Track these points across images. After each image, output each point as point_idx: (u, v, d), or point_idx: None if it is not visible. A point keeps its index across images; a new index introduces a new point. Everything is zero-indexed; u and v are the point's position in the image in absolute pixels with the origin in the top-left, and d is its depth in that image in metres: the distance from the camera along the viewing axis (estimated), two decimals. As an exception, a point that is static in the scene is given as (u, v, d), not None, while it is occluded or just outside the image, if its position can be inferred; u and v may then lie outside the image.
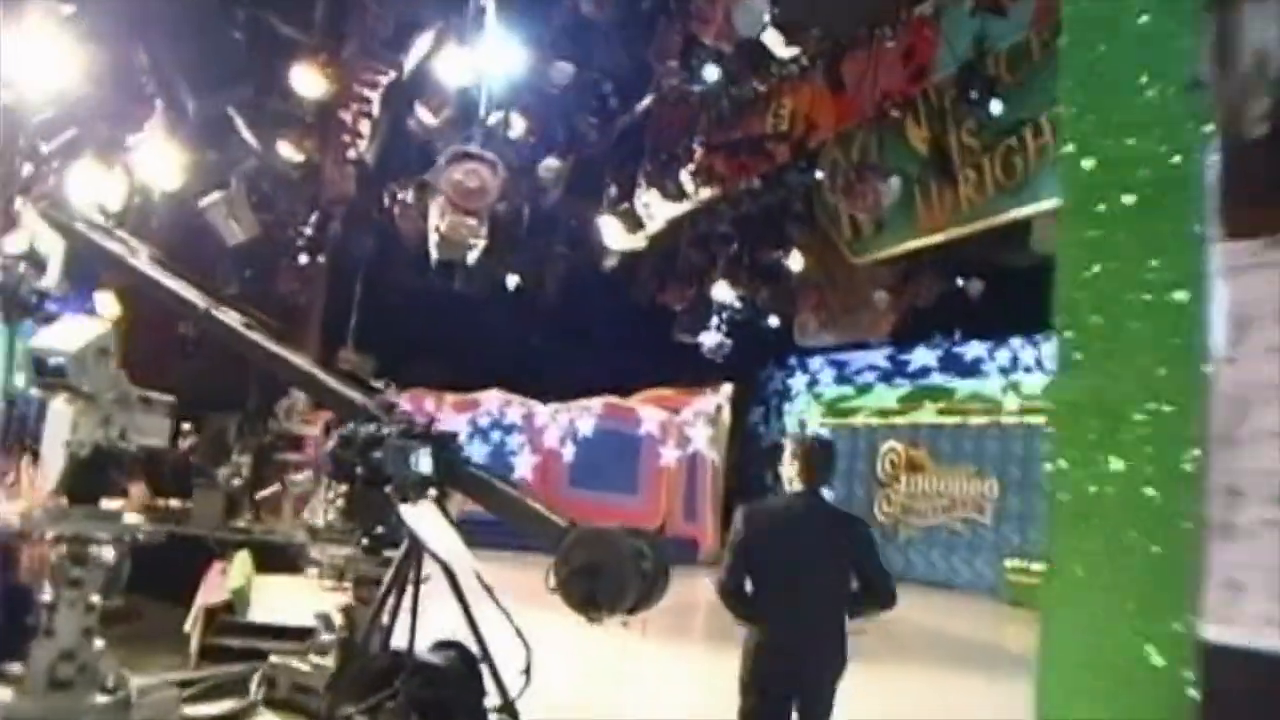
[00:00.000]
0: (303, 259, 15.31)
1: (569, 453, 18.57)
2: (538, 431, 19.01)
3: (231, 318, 5.47)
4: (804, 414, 19.79)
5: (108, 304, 16.86)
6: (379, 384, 5.75)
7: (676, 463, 17.65)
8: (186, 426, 16.67)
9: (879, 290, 13.06)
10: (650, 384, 19.09)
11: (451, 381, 19.45)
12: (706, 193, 11.04)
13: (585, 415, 18.71)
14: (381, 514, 4.41)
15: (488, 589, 4.41)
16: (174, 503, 15.12)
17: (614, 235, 12.28)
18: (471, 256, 9.93)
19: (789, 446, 4.44)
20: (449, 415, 19.56)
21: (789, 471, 4.33)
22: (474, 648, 4.55)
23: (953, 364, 17.31)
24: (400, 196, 12.88)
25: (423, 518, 4.29)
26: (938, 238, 10.67)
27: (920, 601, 15.21)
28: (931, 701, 8.86)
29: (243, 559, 11.04)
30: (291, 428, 14.33)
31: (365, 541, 4.95)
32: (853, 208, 10.32)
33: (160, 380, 16.39)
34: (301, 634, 7.82)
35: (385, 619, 4.49)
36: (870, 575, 4.34)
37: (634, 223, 12.09)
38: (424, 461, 4.32)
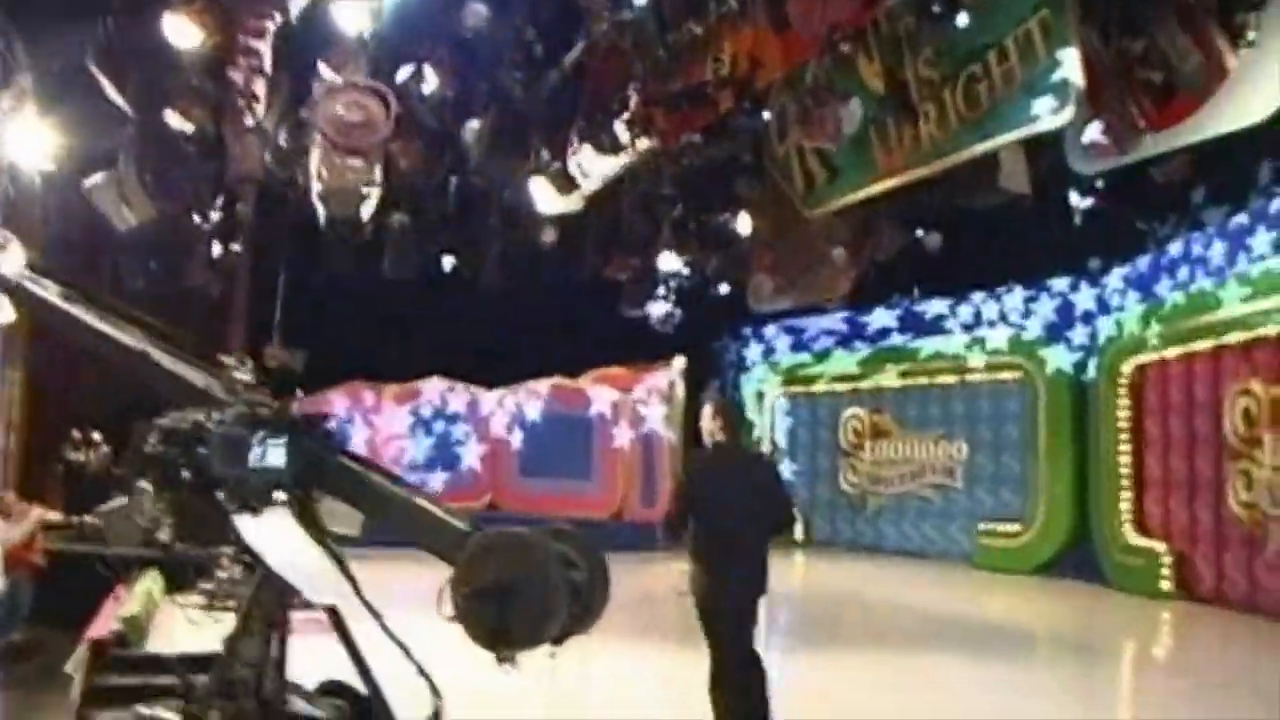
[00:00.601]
0: (215, 248, 14.04)
1: (517, 440, 17.48)
2: (483, 419, 17.89)
3: (50, 289, 4.31)
4: (761, 384, 18.85)
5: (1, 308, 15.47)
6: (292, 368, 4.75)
7: (631, 444, 16.61)
8: (96, 436, 15.32)
9: (836, 247, 12.10)
10: (600, 363, 18.04)
11: (391, 372, 18.27)
12: (645, 144, 9.98)
13: (532, 399, 17.62)
14: (217, 528, 3.34)
15: (376, 616, 3.38)
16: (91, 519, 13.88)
17: (546, 198, 11.19)
18: (366, 210, 8.74)
19: (708, 407, 5.32)
20: (390, 407, 18.40)
21: (710, 426, 5.19)
22: (367, 692, 3.53)
23: (913, 323, 16.44)
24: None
25: (273, 530, 3.24)
26: (897, 180, 9.71)
27: (894, 574, 14.40)
28: (912, 682, 7.98)
29: (149, 581, 9.85)
30: (212, 428, 13.06)
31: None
32: (811, 137, 9.26)
33: (71, 385, 14.88)
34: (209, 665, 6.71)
35: (247, 657, 3.46)
36: (780, 502, 5.37)
37: (567, 183, 11.02)
38: (272, 455, 3.24)
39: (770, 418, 18.66)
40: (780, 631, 11.16)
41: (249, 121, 10.21)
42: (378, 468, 3.69)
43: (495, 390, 17.97)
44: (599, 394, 17.13)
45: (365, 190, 8.21)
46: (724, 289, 16.62)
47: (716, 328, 19.39)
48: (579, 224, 15.32)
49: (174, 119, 9.95)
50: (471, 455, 17.81)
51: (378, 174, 8.26)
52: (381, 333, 18.30)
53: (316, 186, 8.30)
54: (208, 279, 13.90)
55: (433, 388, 18.27)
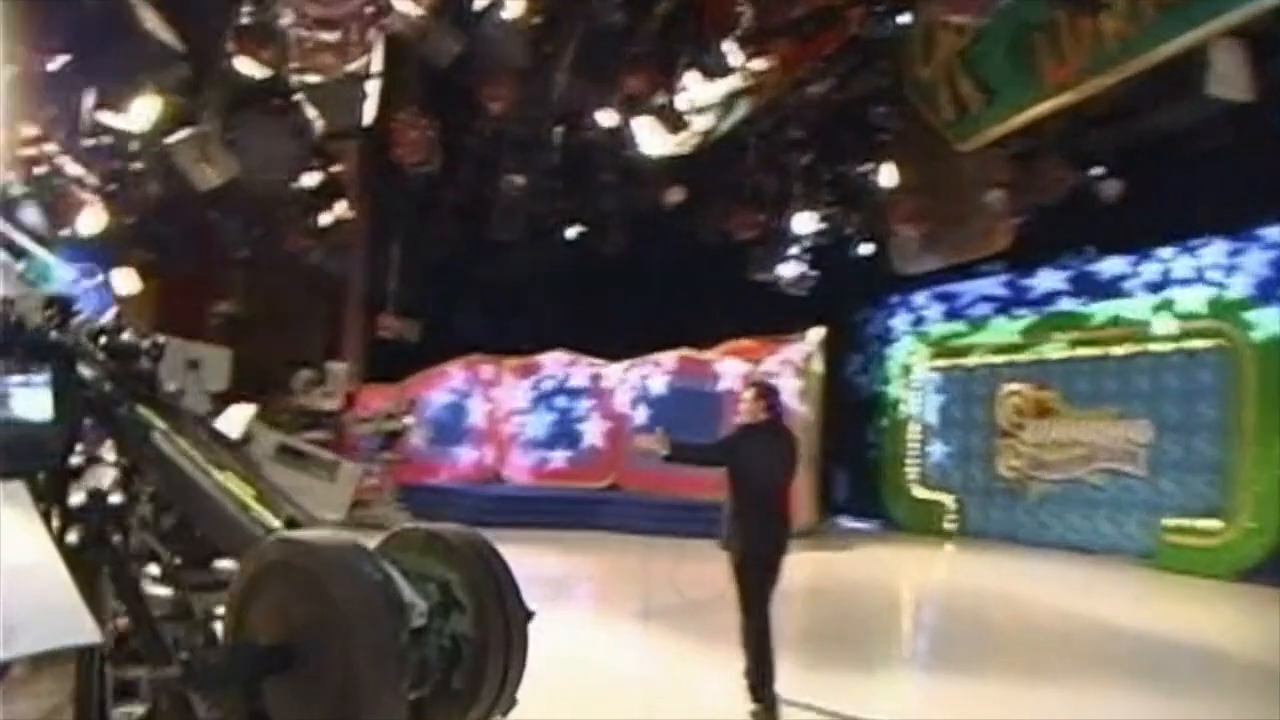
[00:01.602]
0: (321, 211, 13.27)
1: (641, 416, 16.14)
2: (606, 394, 16.65)
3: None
4: (909, 358, 16.82)
5: (127, 280, 15.23)
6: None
7: (761, 421, 15.04)
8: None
9: (992, 190, 10.16)
10: (731, 335, 16.51)
11: (512, 345, 17.29)
12: (760, 64, 8.37)
13: (657, 373, 16.24)
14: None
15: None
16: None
17: (652, 140, 9.74)
18: (368, 109, 7.47)
19: (751, 390, 5.95)
20: (510, 381, 17.44)
21: (753, 407, 5.72)
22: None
23: (1086, 285, 14.07)
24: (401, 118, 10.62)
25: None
26: (1068, 98, 7.77)
27: (1057, 573, 12.22)
28: (1074, 713, 6.16)
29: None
30: (310, 403, 12.37)
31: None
32: (956, 9, 7.39)
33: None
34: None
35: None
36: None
37: (675, 122, 9.53)
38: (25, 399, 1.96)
39: (918, 395, 16.65)
40: (915, 637, 9.42)
41: (324, 62, 9.22)
42: (221, 441, 2.38)
43: (618, 363, 16.70)
44: (727, 367, 15.56)
45: (347, 77, 6.91)
46: (865, 250, 14.81)
47: (859, 296, 17.50)
48: (702, 179, 13.87)
49: (243, 64, 9.05)
50: (593, 432, 16.62)
51: (371, 60, 6.97)
52: (502, 304, 17.36)
53: (294, 80, 7.09)
54: (309, 247, 13.14)
55: (554, 361, 17.18)
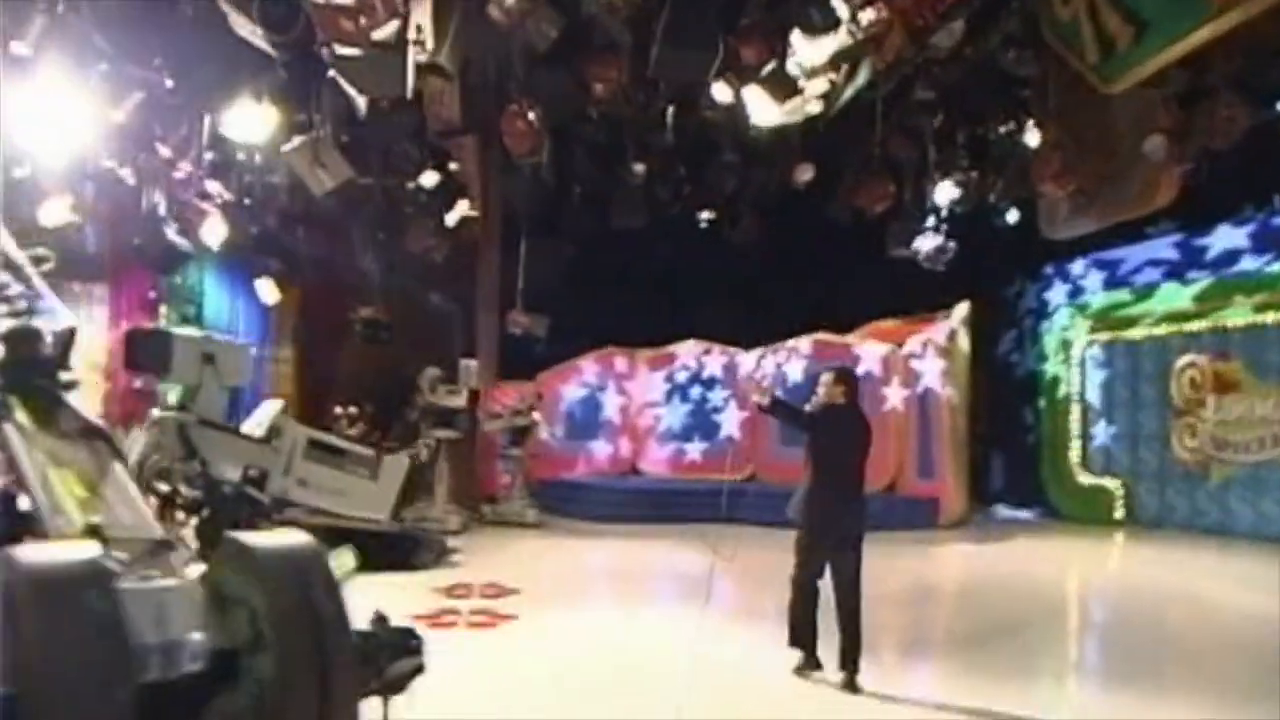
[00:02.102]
0: (444, 210, 13.22)
1: (778, 404, 15.45)
2: (742, 383, 16.05)
3: None
4: (1067, 332, 15.40)
5: (268, 290, 15.73)
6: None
7: (904, 405, 14.03)
8: (354, 410, 15.20)
9: (1150, 137, 8.99)
10: (871, 316, 15.61)
11: (645, 336, 16.90)
12: (871, 15, 7.59)
13: (794, 358, 15.50)
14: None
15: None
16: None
17: (763, 110, 9.08)
18: (408, 78, 7.06)
19: (829, 374, 6.18)
20: (644, 373, 17.08)
21: (832, 391, 6.04)
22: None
23: (1272, 240, 12.46)
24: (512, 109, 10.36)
25: None
26: (1237, 17, 6.68)
27: (1247, 569, 10.77)
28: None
29: (338, 557, 9.02)
30: (437, 400, 12.33)
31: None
32: None
33: (333, 362, 14.61)
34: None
35: None
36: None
37: (786, 88, 8.85)
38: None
39: (1079, 372, 15.24)
40: (1082, 641, 8.39)
41: (419, 57, 9.03)
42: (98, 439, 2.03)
43: (753, 350, 16.07)
44: (866, 349, 14.68)
45: (378, 45, 6.53)
46: (1011, 217, 13.63)
47: (1008, 268, 16.21)
48: (830, 153, 13.08)
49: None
50: (730, 422, 16.04)
51: (410, 26, 6.57)
52: (633, 295, 16.97)
53: (329, 54, 6.76)
54: (432, 245, 13.12)
55: (688, 351, 16.69)
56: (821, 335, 15.25)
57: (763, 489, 15.07)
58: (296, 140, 10.06)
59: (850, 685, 5.69)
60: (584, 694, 5.55)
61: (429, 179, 12.14)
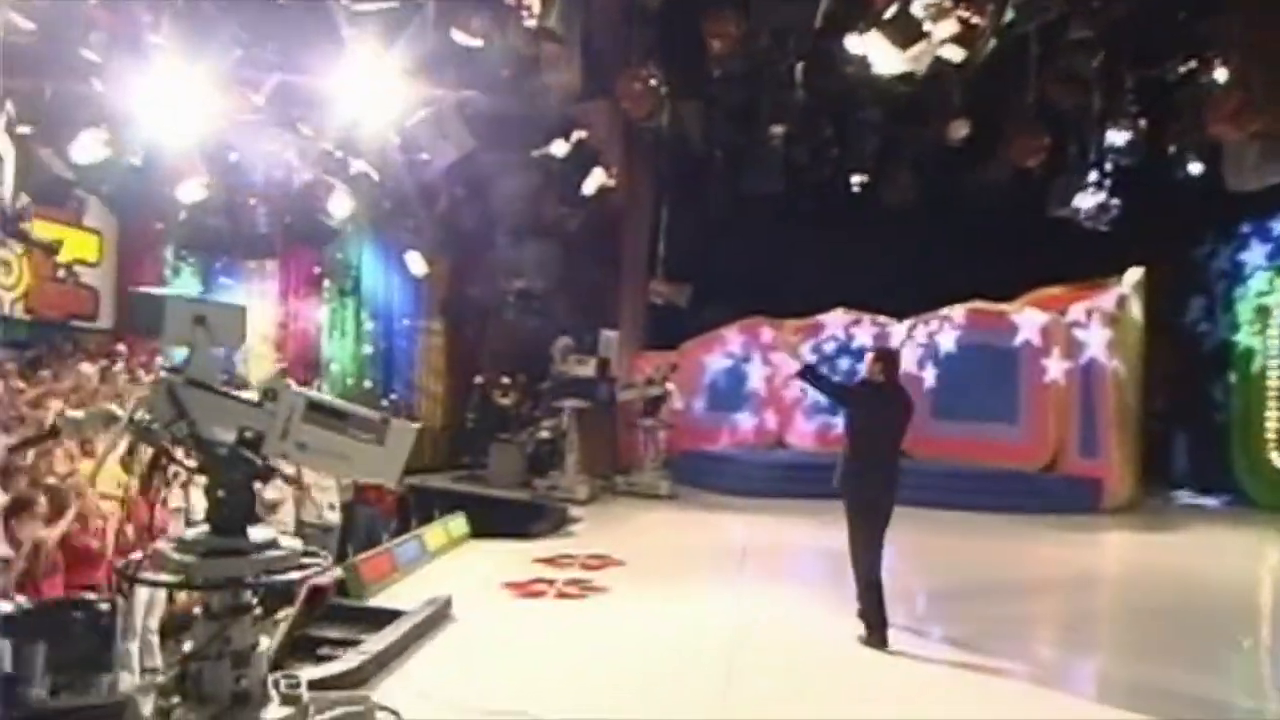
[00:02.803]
0: (578, 179, 13.11)
1: (930, 376, 14.54)
2: (892, 354, 15.24)
3: None
4: (1265, 297, 13.62)
5: (417, 263, 16.15)
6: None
7: (1066, 378, 12.84)
8: (506, 380, 15.49)
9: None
10: (1034, 282, 14.41)
11: (791, 305, 16.31)
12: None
13: (946, 328, 14.56)
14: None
15: None
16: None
17: (885, 57, 8.41)
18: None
19: (872, 356, 6.58)
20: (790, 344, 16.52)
21: (873, 369, 6.36)
22: None
23: None
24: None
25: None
26: None
27: None
28: None
29: (446, 524, 9.11)
30: (567, 370, 12.31)
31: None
32: None
33: (480, 335, 14.92)
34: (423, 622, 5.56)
35: None
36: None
37: (910, 32, 8.15)
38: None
39: (1279, 342, 13.51)
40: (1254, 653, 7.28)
41: (529, 23, 8.93)
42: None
43: (905, 320, 15.22)
44: (1026, 318, 13.57)
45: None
46: (1194, 168, 12.18)
47: (1195, 228, 14.54)
48: (984, 106, 12.11)
49: (461, 36, 8.98)
50: (880, 395, 15.29)
51: None
52: (779, 262, 16.40)
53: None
54: (565, 214, 13.07)
55: (836, 320, 15.98)
56: (977, 304, 14.24)
57: (915, 466, 14.31)
58: (421, 112, 10.20)
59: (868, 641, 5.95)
60: (623, 678, 5.20)
61: (558, 148, 12.08)
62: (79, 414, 3.71)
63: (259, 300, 16.95)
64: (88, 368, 9.37)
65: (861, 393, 6.38)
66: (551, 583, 7.26)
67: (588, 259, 15.34)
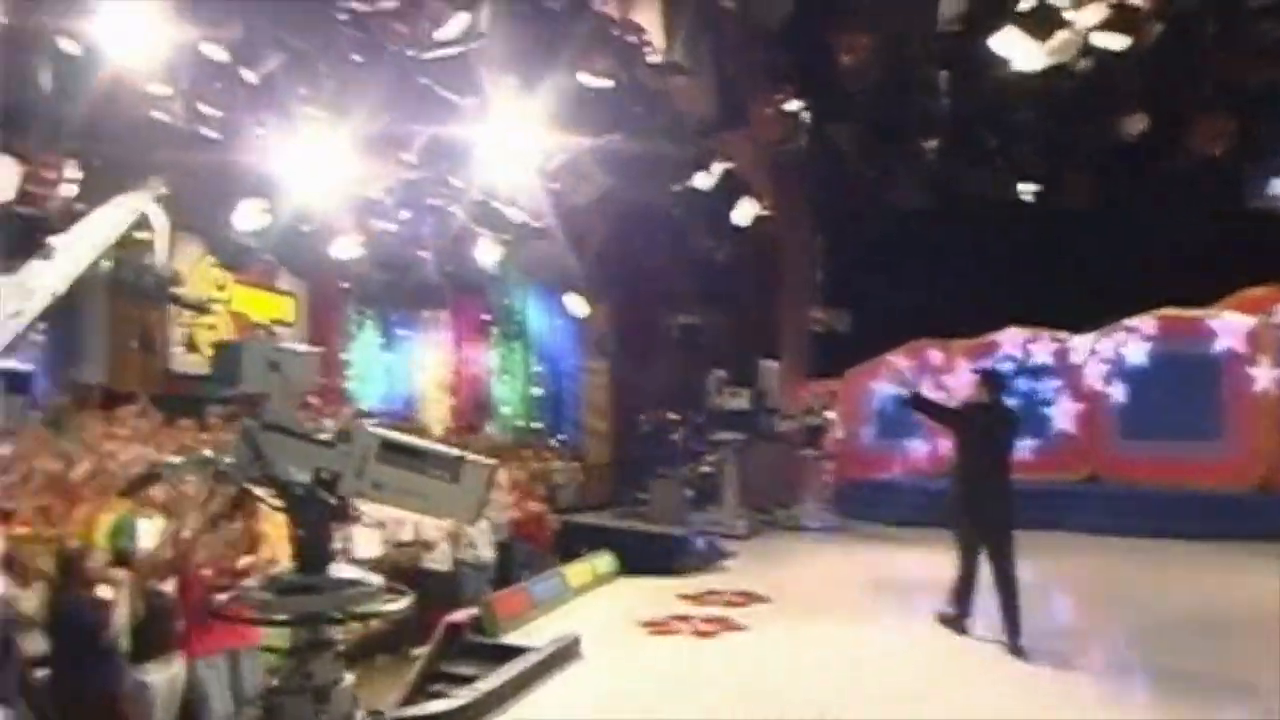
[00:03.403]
0: (727, 210, 12.97)
1: (1118, 393, 13.42)
2: (1074, 371, 14.15)
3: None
4: None
5: (577, 305, 16.41)
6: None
7: (1276, 387, 11.50)
8: (673, 416, 15.43)
9: None
10: (1235, 284, 13.05)
11: (961, 325, 15.50)
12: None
13: (1134, 339, 13.39)
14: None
15: None
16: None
17: (1024, 53, 7.86)
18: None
19: (975, 377, 7.17)
20: (962, 366, 15.64)
21: (979, 391, 6.80)
22: None
23: None
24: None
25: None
26: None
27: None
28: None
29: (592, 560, 9.07)
30: (722, 403, 12.12)
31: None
32: None
33: (641, 372, 15.06)
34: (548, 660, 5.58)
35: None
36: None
37: (1051, 22, 7.58)
38: None
39: None
40: None
41: (653, 59, 8.92)
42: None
43: (1086, 334, 14.15)
44: (1227, 323, 12.30)
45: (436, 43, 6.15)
46: None
47: None
48: (1163, 93, 11.12)
49: (587, 79, 9.09)
50: (1063, 416, 14.22)
51: (477, 21, 6.13)
52: (945, 281, 15.64)
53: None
54: (713, 246, 12.94)
55: (1010, 338, 15.06)
56: (1168, 310, 13.05)
57: (1104, 490, 13.20)
58: (557, 157, 10.41)
59: (1016, 651, 6.11)
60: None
61: (702, 180, 12.01)
62: (177, 459, 3.94)
63: (433, 348, 17.81)
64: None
65: (969, 414, 6.63)
66: (689, 620, 7.07)
67: (746, 290, 15.17)
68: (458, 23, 6.78)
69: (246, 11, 6.36)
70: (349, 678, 3.52)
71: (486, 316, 17.50)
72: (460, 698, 4.75)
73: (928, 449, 15.32)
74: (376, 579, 3.90)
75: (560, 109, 9.96)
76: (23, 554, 5.11)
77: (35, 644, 4.96)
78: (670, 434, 15.23)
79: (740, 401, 12.01)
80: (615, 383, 16.83)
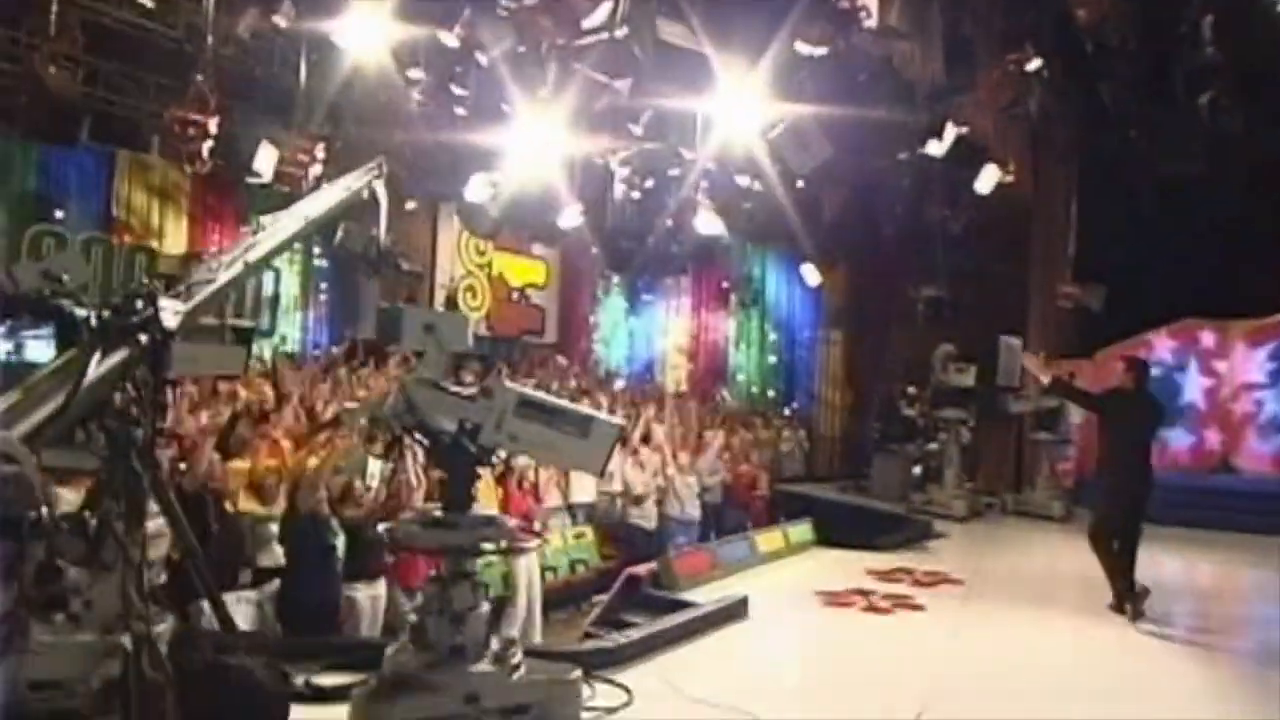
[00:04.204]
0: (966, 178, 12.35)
1: None
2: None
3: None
4: None
5: (811, 274, 16.19)
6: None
7: None
8: (912, 390, 15.01)
9: None
10: None
11: (1239, 304, 13.83)
12: None
13: None
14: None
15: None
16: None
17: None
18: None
19: (1121, 363, 6.99)
20: (1240, 350, 14.04)
21: (1123, 379, 6.62)
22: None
23: None
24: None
25: None
26: None
27: None
28: None
29: (786, 528, 9.11)
30: (947, 379, 11.62)
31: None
32: None
33: (883, 342, 14.89)
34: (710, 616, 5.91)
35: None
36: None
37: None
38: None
39: None
40: None
41: (869, 23, 8.70)
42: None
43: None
44: None
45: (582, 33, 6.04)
46: None
47: None
48: None
49: (804, 47, 9.03)
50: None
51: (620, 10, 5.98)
52: (1217, 255, 14.01)
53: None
54: (948, 215, 12.39)
55: (1303, 320, 13.36)
56: None
57: None
58: (779, 125, 10.41)
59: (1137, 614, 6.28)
60: (865, 696, 4.89)
61: (934, 147, 11.56)
62: (353, 405, 4.55)
63: (675, 315, 18.38)
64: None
65: (1112, 401, 6.58)
66: (868, 595, 7.02)
67: (993, 262, 14.38)
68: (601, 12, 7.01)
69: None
70: (485, 606, 3.95)
71: (725, 284, 17.82)
72: (609, 641, 5.09)
73: (1191, 441, 13.96)
74: (512, 522, 4.35)
75: (780, 78, 10.01)
76: (268, 480, 6.08)
77: (273, 556, 5.93)
78: (902, 409, 14.80)
79: (966, 378, 11.50)
80: (852, 354, 16.58)
